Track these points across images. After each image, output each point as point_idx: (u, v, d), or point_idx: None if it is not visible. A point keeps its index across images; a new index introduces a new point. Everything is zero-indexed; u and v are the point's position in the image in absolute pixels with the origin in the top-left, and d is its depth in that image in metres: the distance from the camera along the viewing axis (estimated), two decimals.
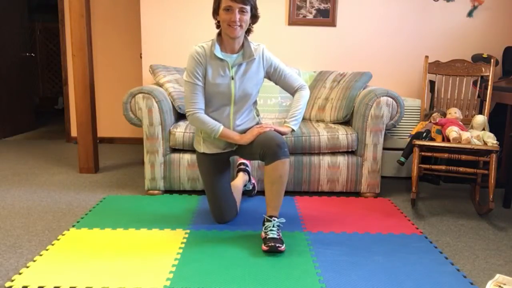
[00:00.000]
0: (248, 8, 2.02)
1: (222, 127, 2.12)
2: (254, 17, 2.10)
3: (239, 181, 2.56)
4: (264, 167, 2.09)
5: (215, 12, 2.08)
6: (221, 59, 2.10)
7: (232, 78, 2.12)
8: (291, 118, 2.19)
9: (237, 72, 2.12)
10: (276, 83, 2.27)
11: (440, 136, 2.67)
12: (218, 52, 2.09)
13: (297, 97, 2.22)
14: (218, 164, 2.28)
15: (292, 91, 2.26)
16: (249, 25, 2.11)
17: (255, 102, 2.30)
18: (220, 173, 2.28)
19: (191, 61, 2.10)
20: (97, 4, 4.45)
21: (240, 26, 2.02)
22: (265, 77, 2.24)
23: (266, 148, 2.03)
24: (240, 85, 2.13)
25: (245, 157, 2.24)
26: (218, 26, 2.12)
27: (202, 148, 2.26)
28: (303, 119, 3.21)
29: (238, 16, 2.00)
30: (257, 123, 2.27)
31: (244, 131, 2.19)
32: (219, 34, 2.13)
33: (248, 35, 2.16)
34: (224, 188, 2.30)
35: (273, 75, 2.23)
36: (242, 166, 2.70)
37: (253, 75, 2.15)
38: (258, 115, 2.32)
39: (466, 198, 2.93)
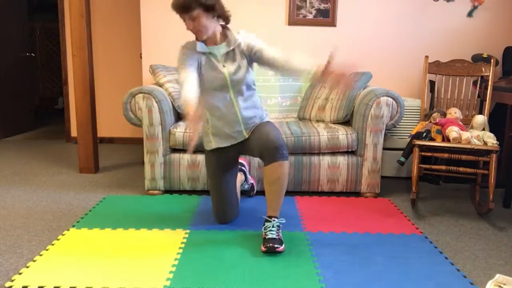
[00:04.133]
0: (196, 12, 1.96)
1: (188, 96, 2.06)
2: (212, 10, 1.99)
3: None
4: (263, 168, 2.09)
5: None
6: (207, 53, 2.14)
7: (224, 66, 2.13)
8: (307, 65, 2.03)
9: (227, 59, 2.13)
10: (260, 63, 2.15)
11: (440, 136, 2.67)
12: (201, 48, 2.12)
13: (291, 55, 2.08)
14: (225, 164, 2.26)
15: (278, 59, 2.08)
16: (218, 16, 2.05)
17: (254, 90, 2.24)
18: (227, 174, 2.27)
19: (180, 54, 2.13)
20: (97, 4, 4.45)
21: (199, 31, 2.02)
22: (250, 61, 2.17)
23: (264, 149, 2.03)
24: (231, 71, 2.12)
25: (247, 153, 2.24)
26: None
27: (214, 143, 2.22)
28: (303, 119, 3.21)
29: (191, 24, 2.00)
30: (261, 117, 2.25)
31: (249, 118, 2.19)
32: None
33: (227, 23, 2.14)
34: (229, 189, 2.29)
35: (254, 54, 2.12)
36: (239, 166, 2.70)
37: (239, 60, 2.14)
38: (264, 110, 2.29)
39: (466, 198, 2.93)
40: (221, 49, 2.12)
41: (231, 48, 2.11)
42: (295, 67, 2.05)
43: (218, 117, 2.19)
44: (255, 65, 2.21)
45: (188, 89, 2.02)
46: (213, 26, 2.05)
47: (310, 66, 2.01)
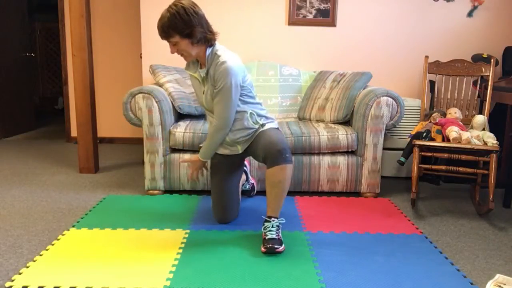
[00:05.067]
0: (174, 38, 1.97)
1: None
2: (190, 36, 1.98)
3: None
4: (265, 169, 2.10)
5: None
6: (195, 76, 2.18)
7: (203, 92, 2.16)
8: (201, 148, 2.24)
9: (207, 84, 2.13)
10: None
11: (440, 136, 2.67)
12: (190, 70, 2.18)
13: (208, 137, 2.20)
14: (229, 164, 2.28)
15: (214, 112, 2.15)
16: (198, 41, 2.01)
17: (245, 112, 2.16)
18: (229, 174, 2.28)
19: None
20: (97, 4, 4.45)
21: (182, 55, 2.05)
22: None
23: (267, 153, 2.03)
24: (207, 97, 2.14)
25: (252, 157, 2.25)
26: None
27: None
28: (303, 119, 3.21)
29: (173, 49, 2.03)
30: (254, 132, 2.19)
31: (234, 140, 2.19)
32: None
33: (210, 45, 2.07)
34: (231, 188, 2.30)
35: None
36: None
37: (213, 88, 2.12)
38: (257, 123, 2.18)
39: (466, 198, 2.93)
40: (203, 73, 2.12)
41: (206, 72, 2.10)
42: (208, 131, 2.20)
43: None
44: (248, 75, 2.19)
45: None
46: (195, 50, 2.04)
47: (202, 148, 2.22)
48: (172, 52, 2.04)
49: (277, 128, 2.22)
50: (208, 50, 2.07)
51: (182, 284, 1.72)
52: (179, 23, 1.94)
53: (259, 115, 2.21)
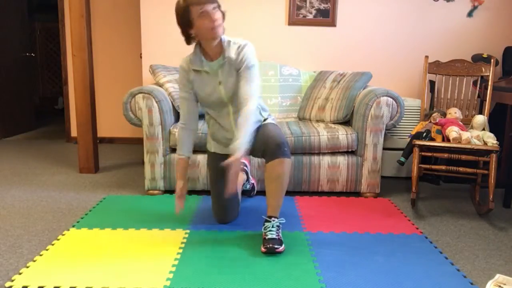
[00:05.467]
0: (217, 4, 1.99)
1: (180, 157, 2.19)
2: (223, 14, 2.06)
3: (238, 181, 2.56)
4: (264, 166, 2.09)
5: (188, 26, 1.99)
6: (203, 71, 2.11)
7: (220, 83, 2.09)
8: (237, 141, 1.93)
9: (222, 75, 2.08)
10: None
11: (440, 136, 2.67)
12: (196, 66, 2.10)
13: (241, 120, 1.98)
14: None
15: (240, 100, 2.04)
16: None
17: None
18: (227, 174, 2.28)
19: (179, 74, 2.18)
20: (97, 4, 4.45)
21: (219, 25, 1.99)
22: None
23: (265, 147, 2.03)
24: (227, 87, 2.09)
25: (251, 154, 2.23)
26: (188, 42, 2.06)
27: (212, 147, 2.31)
28: (303, 119, 3.21)
29: (216, 15, 1.96)
30: (264, 120, 2.21)
31: None
32: (197, 45, 2.10)
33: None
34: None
35: (238, 75, 2.08)
36: (240, 166, 2.68)
37: (235, 75, 2.09)
38: (262, 116, 2.20)
39: (466, 198, 2.93)
40: (216, 64, 2.08)
41: (225, 61, 2.07)
42: (238, 120, 1.99)
43: (217, 127, 2.21)
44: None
45: (180, 143, 2.20)
46: (223, 26, 2.04)
47: (239, 139, 1.92)
48: (216, 18, 1.96)
49: (275, 124, 2.22)
50: (225, 38, 2.08)
51: (182, 284, 1.72)
52: None
53: (263, 109, 2.23)
